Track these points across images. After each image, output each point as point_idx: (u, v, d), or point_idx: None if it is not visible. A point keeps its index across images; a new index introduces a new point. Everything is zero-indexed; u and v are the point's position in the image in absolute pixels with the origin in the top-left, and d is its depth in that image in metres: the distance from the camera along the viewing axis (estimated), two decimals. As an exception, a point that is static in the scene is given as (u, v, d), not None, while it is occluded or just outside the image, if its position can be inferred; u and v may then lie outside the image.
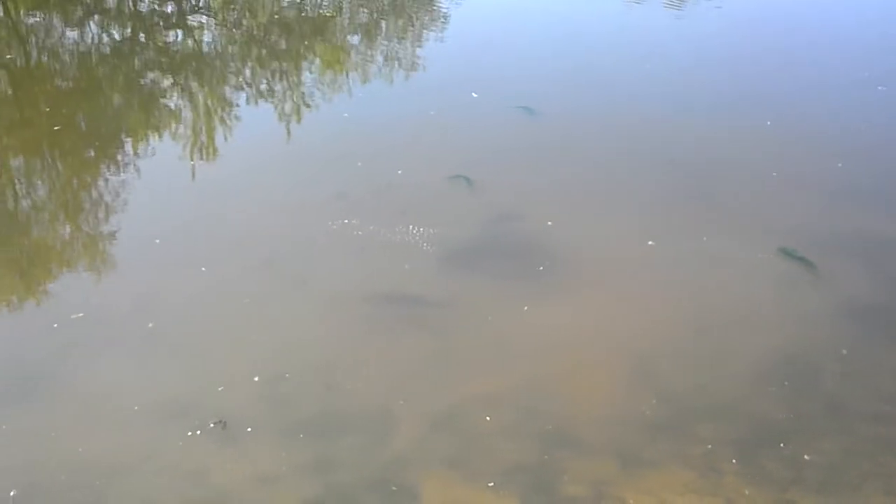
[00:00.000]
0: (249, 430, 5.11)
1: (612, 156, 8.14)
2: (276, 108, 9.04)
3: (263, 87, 9.53)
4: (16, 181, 7.49)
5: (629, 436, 5.21)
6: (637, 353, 5.82)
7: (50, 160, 7.86)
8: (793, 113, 9.12)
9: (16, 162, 7.83)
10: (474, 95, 9.17)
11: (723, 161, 8.07)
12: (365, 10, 12.05)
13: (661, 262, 6.70)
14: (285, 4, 11.91)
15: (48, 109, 8.62)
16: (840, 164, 8.07)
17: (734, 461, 5.05)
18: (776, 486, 4.92)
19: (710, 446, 5.14)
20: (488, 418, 5.27)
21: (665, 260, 6.73)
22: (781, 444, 5.16)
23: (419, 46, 10.77)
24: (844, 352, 5.88)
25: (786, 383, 5.60)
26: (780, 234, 6.98)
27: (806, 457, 5.09)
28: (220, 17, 11.30)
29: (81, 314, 5.93)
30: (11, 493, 4.69)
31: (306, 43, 10.80)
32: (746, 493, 4.87)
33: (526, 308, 6.14)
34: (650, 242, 6.88)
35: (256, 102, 9.18)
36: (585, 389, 5.53)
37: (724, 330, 6.07)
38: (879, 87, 9.83)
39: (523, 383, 5.54)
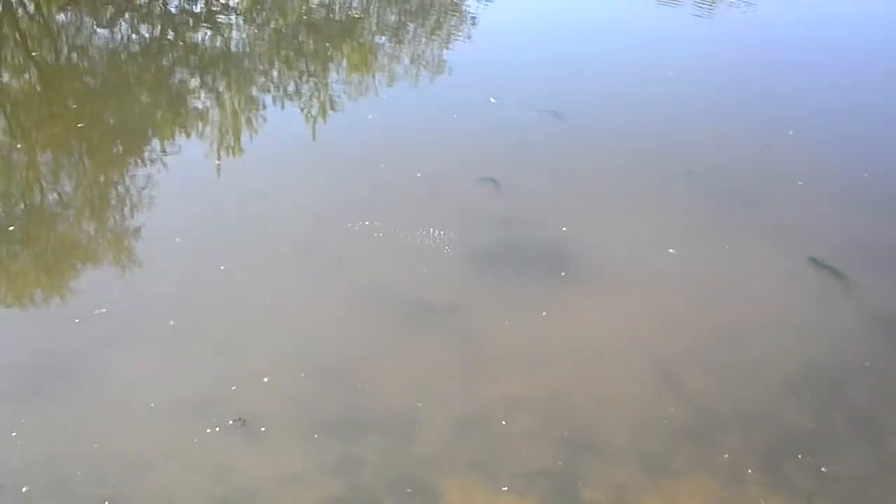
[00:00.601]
0: (267, 429, 5.10)
1: (634, 162, 8.09)
2: (300, 108, 9.06)
3: (289, 87, 9.55)
4: (42, 177, 7.54)
5: (651, 443, 5.16)
6: (657, 361, 5.76)
7: (76, 156, 7.90)
8: (818, 122, 9.04)
9: (42, 157, 7.88)
10: (492, 101, 9.15)
11: (745, 169, 8.01)
12: (392, 13, 12.07)
13: (681, 270, 6.65)
14: (314, 5, 11.94)
15: (75, 106, 8.68)
16: (866, 174, 7.98)
17: (758, 471, 4.99)
18: (801, 497, 4.86)
19: (733, 456, 5.08)
20: (504, 423, 5.23)
21: (686, 268, 6.67)
22: (806, 456, 5.10)
23: (445, 49, 10.76)
24: (867, 363, 5.81)
25: (808, 395, 5.53)
26: (804, 244, 6.92)
27: (828, 469, 5.02)
28: (248, 16, 11.35)
29: (104, 310, 5.95)
30: (24, 490, 4.69)
31: (333, 44, 10.82)
32: (768, 504, 4.82)
33: (544, 313, 6.10)
34: (671, 250, 6.82)
35: (281, 103, 9.19)
36: (607, 396, 5.48)
37: (746, 339, 6.01)
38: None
39: (545, 388, 5.50)
